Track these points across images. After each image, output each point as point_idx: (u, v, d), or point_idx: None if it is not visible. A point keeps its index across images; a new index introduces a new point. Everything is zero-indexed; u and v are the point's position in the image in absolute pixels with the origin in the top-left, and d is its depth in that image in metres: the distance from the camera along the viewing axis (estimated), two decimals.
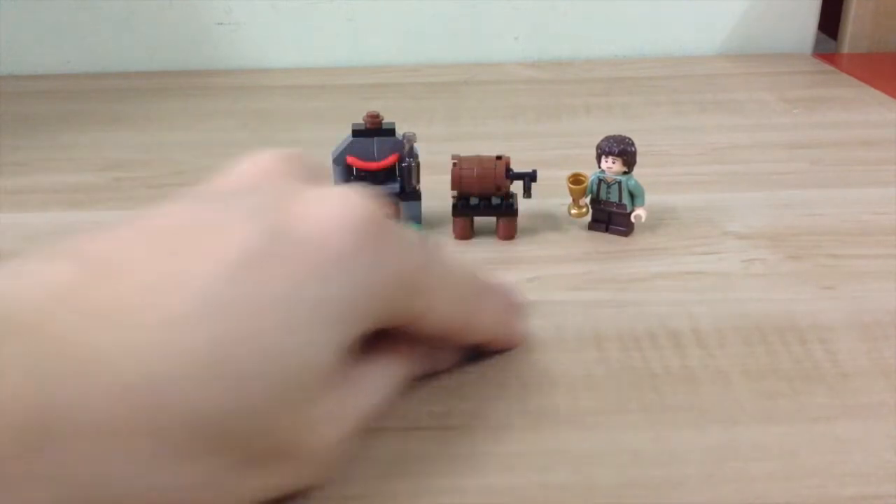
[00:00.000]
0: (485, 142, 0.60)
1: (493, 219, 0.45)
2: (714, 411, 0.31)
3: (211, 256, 0.24)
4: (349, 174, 0.44)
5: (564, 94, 0.72)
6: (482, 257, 0.43)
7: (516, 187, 0.44)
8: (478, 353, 0.34)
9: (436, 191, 0.47)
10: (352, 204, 0.26)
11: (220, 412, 0.23)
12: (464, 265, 0.32)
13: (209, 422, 0.23)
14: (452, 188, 0.44)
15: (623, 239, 0.44)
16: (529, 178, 0.44)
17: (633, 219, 0.44)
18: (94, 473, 0.21)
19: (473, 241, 0.45)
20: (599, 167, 0.44)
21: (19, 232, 0.47)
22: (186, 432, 0.22)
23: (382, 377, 0.29)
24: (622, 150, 0.43)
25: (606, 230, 0.45)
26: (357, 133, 0.44)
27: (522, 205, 0.45)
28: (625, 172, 0.43)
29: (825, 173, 0.53)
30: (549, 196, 0.47)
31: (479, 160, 0.43)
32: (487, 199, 0.44)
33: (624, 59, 0.84)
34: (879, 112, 0.66)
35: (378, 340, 0.29)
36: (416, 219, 0.45)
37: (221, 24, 0.82)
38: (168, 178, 0.55)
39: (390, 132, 0.43)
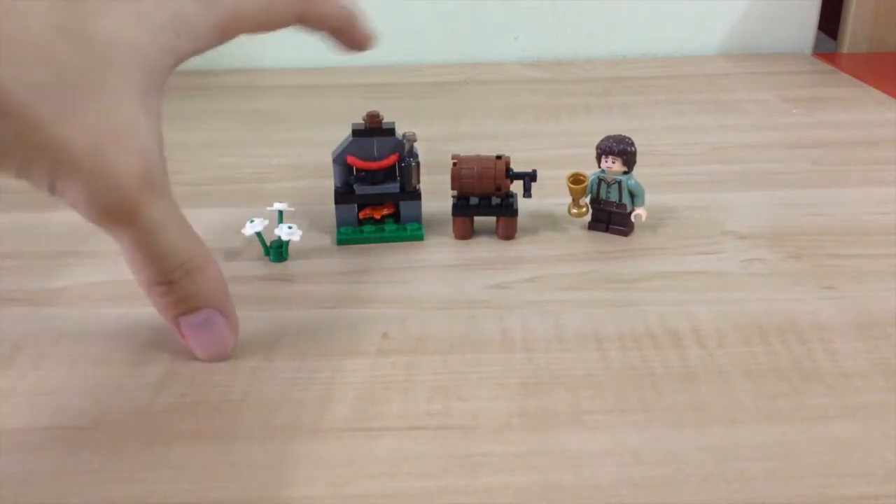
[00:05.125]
0: (485, 142, 0.60)
1: (493, 218, 0.45)
2: (714, 411, 0.31)
3: None
4: (349, 174, 0.44)
5: (564, 94, 0.72)
6: (482, 257, 0.43)
7: (516, 187, 0.44)
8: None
9: (436, 191, 0.47)
10: None
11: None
12: None
13: None
14: (452, 188, 0.44)
15: (623, 239, 0.44)
16: (529, 177, 0.44)
17: (633, 218, 0.44)
18: None
19: (473, 240, 0.45)
20: (599, 167, 0.44)
21: (19, 232, 0.47)
22: None
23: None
24: (622, 149, 0.43)
25: (606, 230, 0.45)
26: (357, 133, 0.44)
27: (522, 205, 0.45)
28: (625, 172, 0.43)
29: (825, 173, 0.53)
30: (549, 196, 0.47)
31: (479, 160, 0.43)
32: (487, 199, 0.44)
33: (624, 59, 0.84)
34: (879, 112, 0.66)
35: None
36: (416, 218, 0.45)
37: None
38: (168, 177, 0.55)
39: (390, 132, 0.43)
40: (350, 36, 0.39)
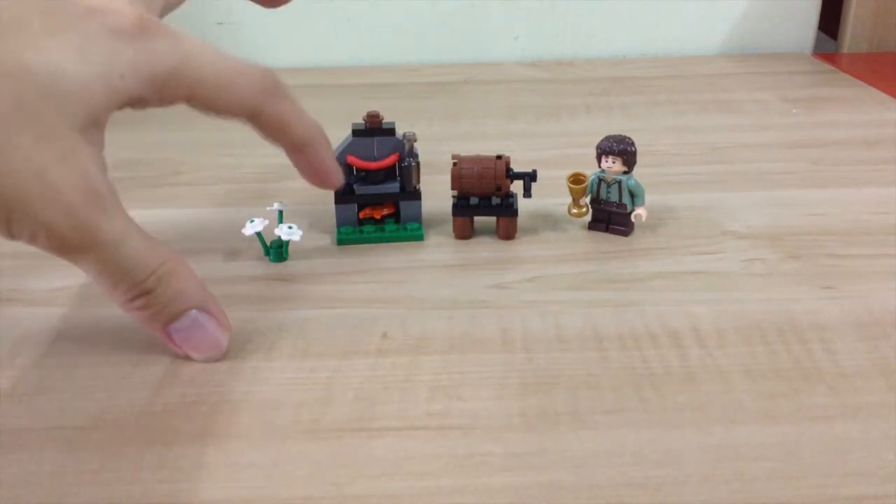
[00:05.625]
0: (485, 142, 0.60)
1: (493, 218, 0.45)
2: (714, 411, 0.31)
3: None
4: (349, 174, 0.44)
5: (564, 94, 0.72)
6: (482, 257, 0.43)
7: (516, 187, 0.44)
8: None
9: (436, 191, 0.47)
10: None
11: None
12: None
13: None
14: (452, 188, 0.44)
15: (623, 239, 0.44)
16: (529, 177, 0.44)
17: (633, 218, 0.44)
18: None
19: (473, 240, 0.45)
20: (599, 167, 0.44)
21: None
22: None
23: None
24: (622, 149, 0.43)
25: (606, 230, 0.45)
26: (357, 133, 0.44)
27: (522, 205, 0.45)
28: (625, 172, 0.43)
29: (825, 173, 0.53)
30: (549, 196, 0.47)
31: (479, 160, 0.43)
32: (487, 199, 0.44)
33: (624, 59, 0.84)
34: (879, 112, 0.66)
35: None
36: (416, 218, 0.45)
37: (222, 23, 0.82)
38: (168, 177, 0.55)
39: (390, 132, 0.43)
40: (310, 162, 0.36)
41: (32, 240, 0.29)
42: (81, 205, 0.29)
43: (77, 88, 0.29)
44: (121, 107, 0.31)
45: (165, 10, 0.36)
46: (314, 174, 0.37)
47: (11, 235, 0.29)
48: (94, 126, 0.30)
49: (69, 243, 0.30)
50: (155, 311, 0.32)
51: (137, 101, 0.32)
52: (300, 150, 0.36)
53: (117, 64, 0.30)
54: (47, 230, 0.29)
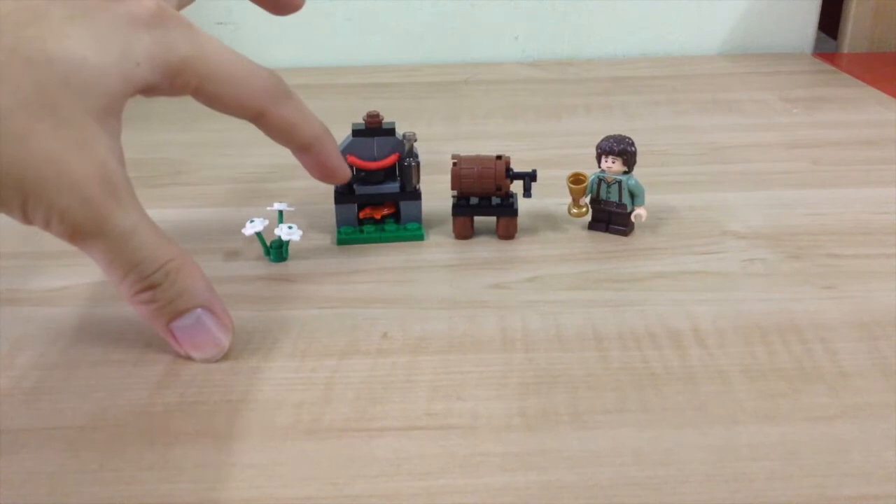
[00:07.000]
0: (485, 142, 0.60)
1: (493, 218, 0.45)
2: (714, 411, 0.31)
3: None
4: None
5: (564, 94, 0.72)
6: (482, 257, 0.43)
7: (516, 187, 0.44)
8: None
9: (436, 191, 0.47)
10: None
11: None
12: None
13: None
14: (452, 188, 0.44)
15: (623, 239, 0.44)
16: (529, 177, 0.44)
17: (633, 218, 0.44)
18: None
19: (473, 240, 0.45)
20: (599, 167, 0.44)
21: (19, 232, 0.47)
22: None
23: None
24: (622, 149, 0.43)
25: (606, 230, 0.45)
26: (357, 133, 0.44)
27: (522, 204, 0.45)
28: (625, 172, 0.43)
29: (825, 173, 0.53)
30: (549, 196, 0.47)
31: (479, 160, 0.43)
32: (487, 199, 0.44)
33: (624, 59, 0.84)
34: (879, 112, 0.66)
35: None
36: (417, 218, 0.45)
37: (221, 23, 0.82)
38: (168, 177, 0.55)
39: (390, 132, 0.43)
40: (317, 161, 0.38)
41: (46, 224, 0.30)
42: (96, 193, 0.29)
43: (96, 77, 0.29)
44: (134, 94, 0.31)
45: (182, 4, 0.36)
46: (322, 172, 0.38)
47: (26, 219, 0.30)
48: (111, 113, 0.30)
49: (81, 230, 0.30)
50: (160, 306, 0.32)
51: (150, 89, 0.32)
52: (306, 150, 0.37)
53: (134, 52, 0.30)
54: (61, 216, 0.29)
